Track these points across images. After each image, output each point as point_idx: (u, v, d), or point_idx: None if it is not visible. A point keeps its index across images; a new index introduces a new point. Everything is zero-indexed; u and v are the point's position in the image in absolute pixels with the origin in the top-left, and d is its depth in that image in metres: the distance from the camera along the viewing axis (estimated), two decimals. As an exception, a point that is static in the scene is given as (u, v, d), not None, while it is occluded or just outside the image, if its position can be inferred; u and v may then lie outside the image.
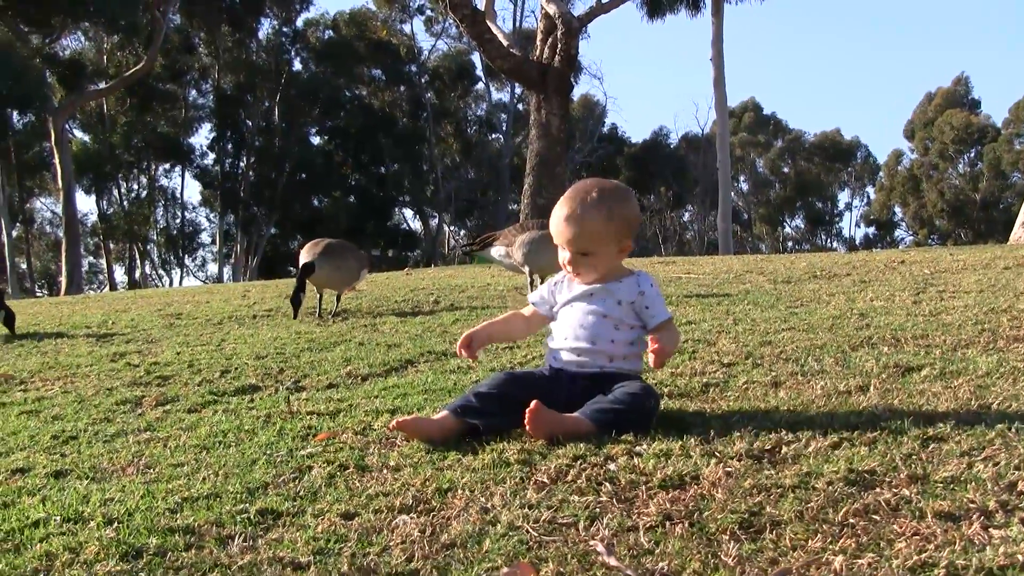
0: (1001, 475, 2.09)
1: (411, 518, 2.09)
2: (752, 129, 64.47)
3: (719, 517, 1.95)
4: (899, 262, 8.81)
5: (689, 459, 2.34)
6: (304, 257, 6.89)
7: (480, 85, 55.94)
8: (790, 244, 67.37)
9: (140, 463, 2.75)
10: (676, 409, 2.94)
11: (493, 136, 57.65)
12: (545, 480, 2.27)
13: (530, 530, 1.96)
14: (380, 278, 12.01)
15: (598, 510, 2.06)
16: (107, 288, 46.05)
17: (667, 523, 1.96)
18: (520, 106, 53.22)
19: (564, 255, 2.93)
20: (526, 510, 2.07)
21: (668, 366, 3.64)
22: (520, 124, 52.41)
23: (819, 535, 1.84)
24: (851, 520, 1.90)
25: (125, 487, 2.48)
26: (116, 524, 2.16)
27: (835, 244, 66.61)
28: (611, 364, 2.86)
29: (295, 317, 6.76)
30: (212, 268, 51.84)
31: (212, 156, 49.15)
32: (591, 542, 1.88)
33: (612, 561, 1.79)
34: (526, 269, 7.08)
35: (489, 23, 20.60)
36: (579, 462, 2.38)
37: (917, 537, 1.80)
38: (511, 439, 2.65)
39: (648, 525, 1.96)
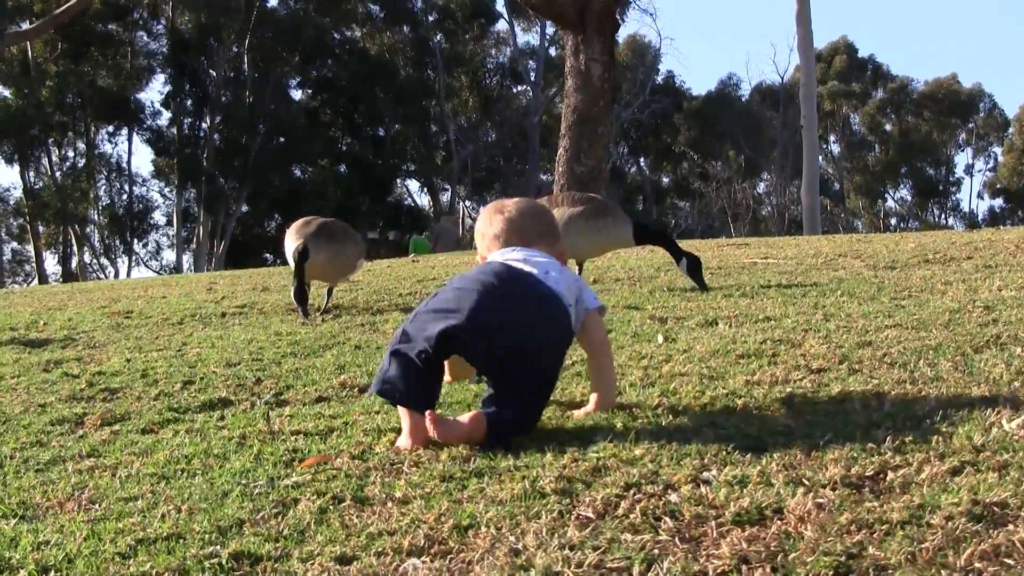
0: None
1: (423, 562, 2.10)
2: (845, 76, 64.07)
3: (808, 560, 1.95)
4: (1034, 242, 8.76)
5: (770, 488, 2.35)
6: (292, 240, 6.91)
7: (502, 25, 55.99)
8: (894, 221, 67.00)
9: (82, 497, 2.77)
10: (753, 427, 2.94)
11: (519, 89, 57.66)
12: (590, 514, 2.28)
13: (572, 577, 1.97)
14: (380, 266, 12.05)
15: (656, 552, 2.06)
16: (35, 281, 46.37)
17: (743, 567, 1.96)
18: (553, 51, 53.17)
19: None
20: (566, 552, 2.08)
21: (743, 372, 3.64)
22: (553, 74, 52.37)
23: (936, 582, 1.84)
24: (976, 564, 1.90)
25: (64, 527, 2.50)
26: (53, 573, 2.18)
27: (951, 220, 66.19)
28: None
29: (305, 316, 6.70)
30: (169, 256, 52.13)
31: (167, 116, 49.39)
32: (648, 591, 1.89)
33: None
34: None
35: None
36: (632, 492, 2.39)
37: (1060, 585, 1.80)
38: (544, 465, 2.65)
39: (719, 570, 1.96)
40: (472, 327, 3.03)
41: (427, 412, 2.97)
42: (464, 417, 3.02)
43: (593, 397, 3.36)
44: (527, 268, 3.25)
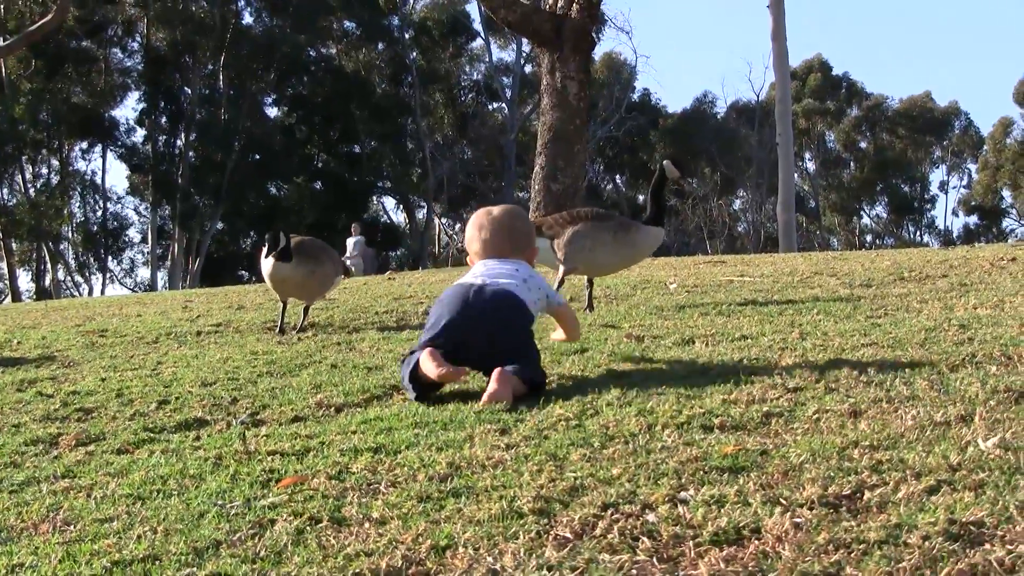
0: None
1: (400, 584, 2.10)
2: (820, 94, 64.49)
3: (787, 580, 1.96)
4: (1009, 260, 8.81)
5: (748, 507, 2.35)
6: (267, 257, 6.92)
7: (478, 42, 56.10)
8: (869, 238, 67.36)
9: (57, 518, 2.76)
10: (730, 447, 2.95)
11: (495, 106, 57.75)
12: (567, 535, 2.28)
13: (550, 598, 1.97)
14: (356, 283, 12.03)
15: (634, 572, 2.06)
16: (8, 299, 46.10)
17: (722, 588, 1.97)
18: (529, 68, 53.31)
19: None
20: (544, 572, 2.08)
21: (720, 391, 3.66)
22: (529, 91, 52.51)
23: (913, 602, 1.85)
24: (953, 583, 1.91)
25: (39, 549, 2.49)
26: (30, 594, 2.18)
27: (926, 238, 66.57)
28: None
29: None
30: (143, 273, 51.93)
31: (141, 132, 49.30)
32: (627, 612, 1.89)
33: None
34: (562, 268, 7.05)
35: (489, -38, 20.64)
36: (609, 512, 2.39)
37: (1036, 604, 1.81)
38: (522, 485, 2.66)
39: (698, 591, 1.96)
40: (445, 337, 4.13)
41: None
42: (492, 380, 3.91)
43: (565, 333, 4.78)
44: (488, 280, 4.28)
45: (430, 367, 3.95)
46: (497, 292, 4.23)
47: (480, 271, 4.42)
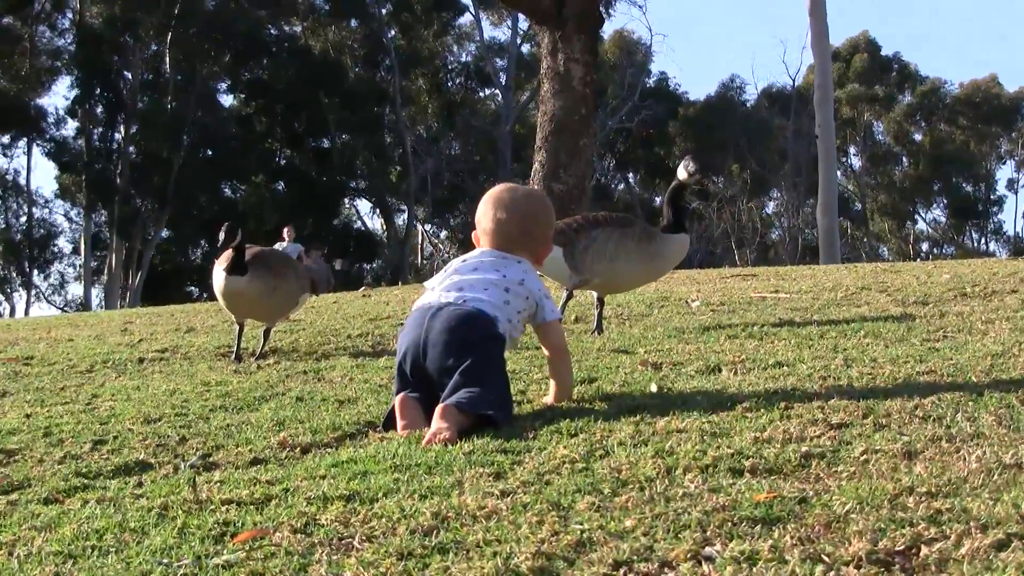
0: None
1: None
2: (867, 78, 64.60)
3: (830, 651, 1.96)
4: (1088, 272, 8.81)
5: (784, 566, 2.35)
6: (222, 264, 6.90)
7: (467, 18, 56.30)
8: (925, 246, 67.47)
9: (-25, 579, 2.76)
10: (763, 493, 2.95)
11: (487, 93, 57.91)
12: (573, 599, 2.28)
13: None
14: (325, 302, 12.03)
15: (652, 643, 2.06)
16: (-83, 320, 46.02)
17: (754, 661, 1.97)
18: (527, 49, 53.42)
19: None
20: (546, 643, 2.07)
21: (750, 428, 3.65)
22: (527, 75, 52.58)
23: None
24: (1025, 654, 1.91)
25: (-46, 615, 2.49)
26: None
27: (992, 246, 66.66)
28: None
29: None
30: (75, 290, 52.01)
31: (73, 125, 49.41)
32: None
33: None
34: (573, 279, 7.01)
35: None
36: (622, 571, 2.39)
37: None
38: (520, 539, 2.65)
39: (726, 664, 1.96)
40: (410, 368, 4.34)
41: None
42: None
43: (553, 390, 4.61)
44: (453, 296, 4.39)
45: (397, 423, 4.21)
46: (453, 316, 4.31)
47: (456, 276, 4.53)
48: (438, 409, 3.97)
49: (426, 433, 3.92)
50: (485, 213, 4.66)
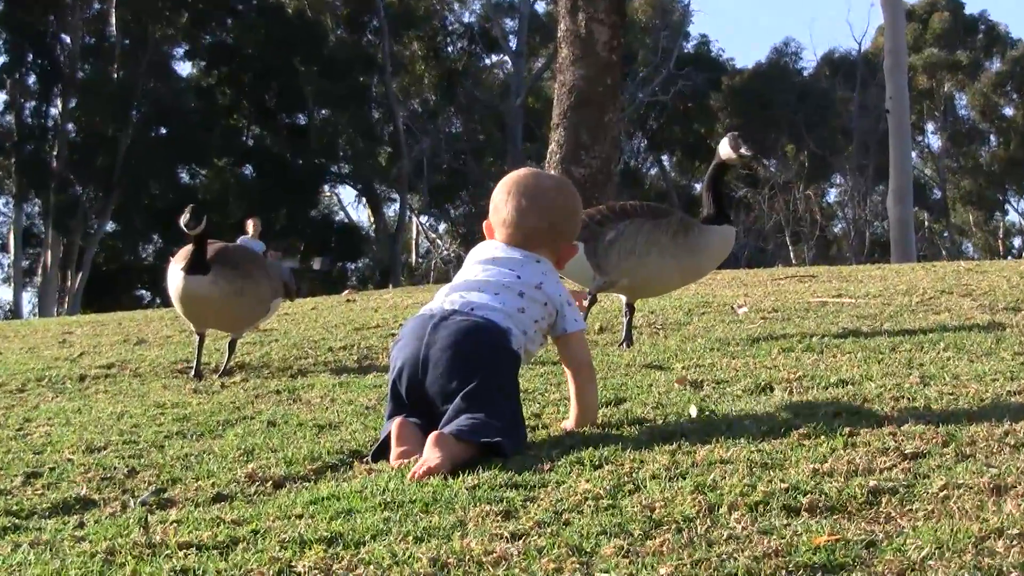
0: None
1: None
2: (947, 42, 64.49)
3: None
4: None
5: (849, 622, 2.35)
6: (179, 263, 6.89)
7: (470, -30, 56.19)
8: (1017, 242, 67.37)
9: None
10: (823, 536, 2.95)
11: (493, 59, 57.92)
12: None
13: None
14: (303, 307, 12.03)
15: None
16: None
17: None
18: (541, 7, 53.44)
19: None
20: None
21: (808, 458, 3.65)
22: (542, 39, 52.59)
23: None
24: None
25: None
26: None
27: (1098, 241, 66.50)
28: None
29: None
30: (3, 294, 52.04)
31: (1, 97, 49.35)
32: None
33: None
34: (597, 281, 7.00)
35: None
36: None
37: None
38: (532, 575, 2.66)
39: None
40: (406, 388, 4.37)
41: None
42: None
43: (573, 412, 4.65)
44: (459, 304, 4.41)
45: (392, 451, 4.22)
46: (458, 329, 4.35)
47: (462, 281, 4.58)
48: (431, 437, 3.97)
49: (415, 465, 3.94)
50: (504, 200, 4.63)
